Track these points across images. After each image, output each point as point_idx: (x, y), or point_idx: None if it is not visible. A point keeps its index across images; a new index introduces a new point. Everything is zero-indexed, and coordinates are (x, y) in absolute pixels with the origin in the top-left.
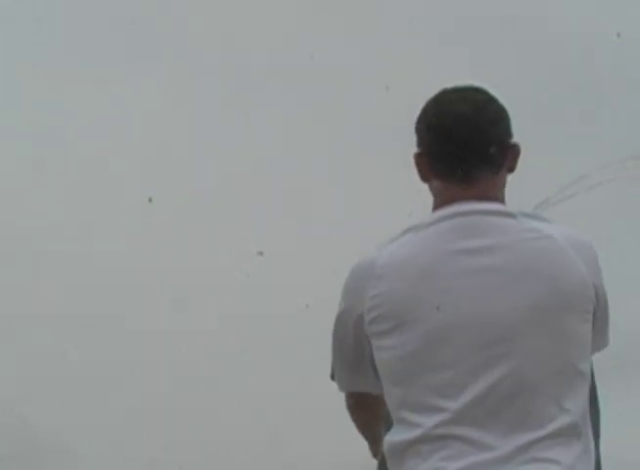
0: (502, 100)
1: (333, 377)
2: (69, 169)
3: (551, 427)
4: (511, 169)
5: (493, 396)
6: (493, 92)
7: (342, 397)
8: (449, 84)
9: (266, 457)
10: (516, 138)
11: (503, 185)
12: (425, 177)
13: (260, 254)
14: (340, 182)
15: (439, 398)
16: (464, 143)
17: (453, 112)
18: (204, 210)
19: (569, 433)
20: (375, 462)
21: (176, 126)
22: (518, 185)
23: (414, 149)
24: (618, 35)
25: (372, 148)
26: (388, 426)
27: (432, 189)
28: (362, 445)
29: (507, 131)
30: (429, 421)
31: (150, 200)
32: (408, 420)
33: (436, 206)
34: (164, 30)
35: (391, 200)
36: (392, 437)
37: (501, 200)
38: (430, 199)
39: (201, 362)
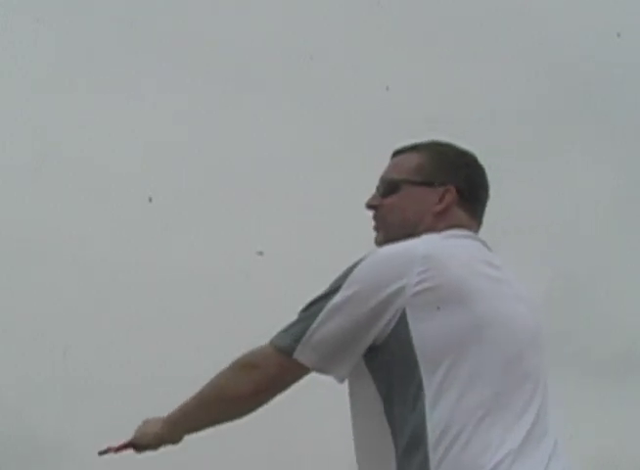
0: (502, 99)
1: (292, 347)
2: (70, 169)
3: (540, 412)
4: None
5: (519, 383)
6: (493, 92)
7: (342, 396)
8: (449, 84)
9: (266, 456)
10: (517, 138)
11: None
12: (447, 209)
13: (260, 254)
14: (340, 182)
15: (480, 379)
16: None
17: (485, 172)
18: (203, 210)
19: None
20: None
21: (176, 126)
22: (519, 184)
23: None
24: (618, 35)
25: (372, 148)
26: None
27: (445, 215)
28: None
29: None
30: (473, 397)
31: (150, 200)
32: (451, 395)
33: (448, 226)
34: (164, 30)
35: None
36: (439, 410)
37: None
38: None
39: (200, 362)
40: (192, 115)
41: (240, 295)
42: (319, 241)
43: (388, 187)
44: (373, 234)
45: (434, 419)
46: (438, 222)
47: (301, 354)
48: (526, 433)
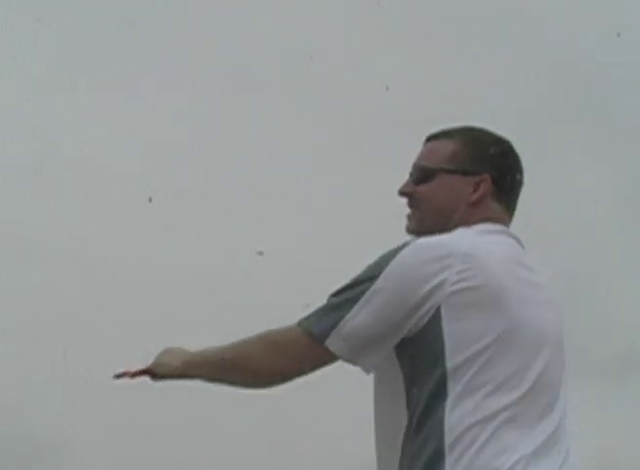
0: (502, 99)
1: (324, 335)
2: (70, 169)
3: (560, 420)
4: None
5: (542, 389)
6: (494, 92)
7: (341, 396)
8: (449, 84)
9: (267, 456)
10: (517, 137)
11: None
12: (481, 198)
13: (260, 254)
14: (339, 182)
15: (506, 383)
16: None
17: (520, 161)
18: (203, 210)
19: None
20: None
21: (176, 126)
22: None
23: (413, 147)
24: (618, 35)
25: (372, 148)
26: (440, 398)
27: (479, 205)
28: (361, 443)
29: None
30: (496, 402)
31: (150, 200)
32: (474, 397)
33: (481, 219)
34: (164, 30)
35: (391, 200)
36: (459, 412)
37: None
38: None
39: None
40: (192, 115)
41: (240, 295)
42: (319, 241)
43: (422, 175)
44: (372, 233)
45: (453, 420)
46: (472, 214)
47: (333, 344)
48: (544, 440)
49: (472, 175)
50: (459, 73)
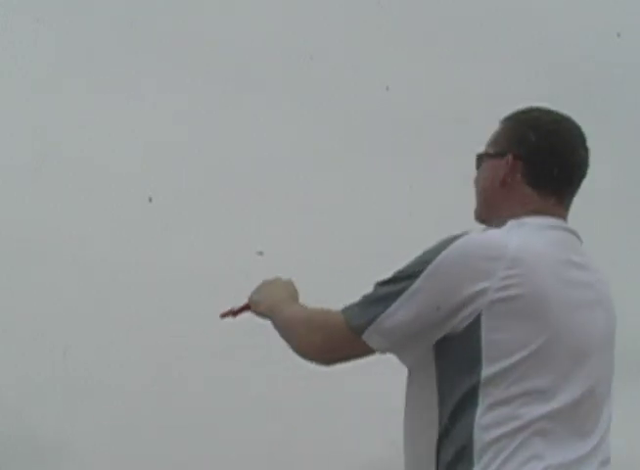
0: (502, 98)
1: (362, 329)
2: (70, 169)
3: (603, 435)
4: None
5: (579, 402)
6: (493, 92)
7: (341, 396)
8: (449, 84)
9: (266, 456)
10: None
11: None
12: (507, 181)
13: (260, 254)
14: (339, 182)
15: (540, 395)
16: (582, 165)
17: (576, 132)
18: (203, 210)
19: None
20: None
21: (176, 126)
22: None
23: (413, 148)
24: (618, 35)
25: (372, 148)
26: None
27: (510, 190)
28: (362, 443)
29: None
30: (528, 413)
31: (150, 200)
32: (507, 408)
33: (523, 211)
34: (164, 30)
35: (391, 199)
36: (490, 421)
37: None
38: (429, 199)
39: (200, 362)
40: (192, 115)
41: (240, 295)
42: (319, 241)
43: (477, 162)
44: (372, 233)
45: (483, 428)
46: (508, 199)
47: (370, 338)
48: (577, 457)
49: (503, 156)
50: (459, 73)
